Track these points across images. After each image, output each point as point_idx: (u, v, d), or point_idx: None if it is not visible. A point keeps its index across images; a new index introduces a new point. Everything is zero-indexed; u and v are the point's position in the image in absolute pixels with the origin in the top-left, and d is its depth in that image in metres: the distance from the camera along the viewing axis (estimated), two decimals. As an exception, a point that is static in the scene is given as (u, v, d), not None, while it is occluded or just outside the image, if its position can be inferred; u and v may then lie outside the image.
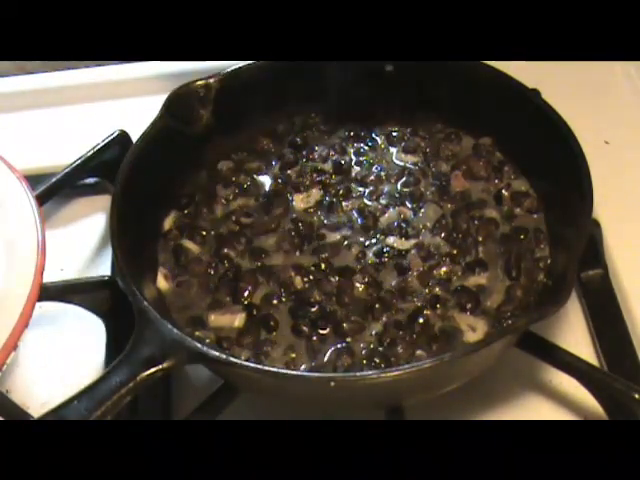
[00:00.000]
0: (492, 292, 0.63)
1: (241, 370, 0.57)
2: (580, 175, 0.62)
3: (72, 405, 0.52)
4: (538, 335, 0.60)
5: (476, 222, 0.67)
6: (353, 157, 0.74)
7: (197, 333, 0.62)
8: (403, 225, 0.67)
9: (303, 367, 0.59)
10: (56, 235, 0.73)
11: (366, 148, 0.74)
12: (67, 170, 0.75)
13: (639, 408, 0.56)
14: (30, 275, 0.57)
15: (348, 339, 0.61)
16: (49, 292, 0.64)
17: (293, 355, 0.60)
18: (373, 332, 0.61)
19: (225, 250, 0.67)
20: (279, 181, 0.72)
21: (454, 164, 0.72)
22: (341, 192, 0.71)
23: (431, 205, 0.69)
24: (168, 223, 0.70)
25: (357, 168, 0.73)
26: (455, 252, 0.65)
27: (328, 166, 0.73)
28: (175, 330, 0.59)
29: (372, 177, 0.72)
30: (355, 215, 0.69)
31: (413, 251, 0.65)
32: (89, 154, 0.75)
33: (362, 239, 0.67)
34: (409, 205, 0.69)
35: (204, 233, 0.69)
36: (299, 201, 0.70)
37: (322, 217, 0.69)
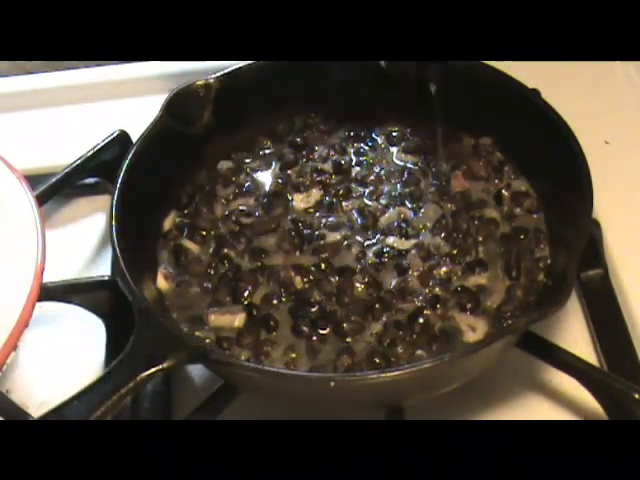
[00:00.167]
0: (492, 292, 0.63)
1: (241, 370, 0.57)
2: (580, 175, 0.62)
3: (72, 405, 0.52)
4: (538, 335, 0.60)
5: (476, 222, 0.67)
6: (353, 157, 0.74)
7: (197, 333, 0.62)
8: (403, 225, 0.67)
9: (303, 367, 0.60)
10: (56, 235, 0.73)
11: (366, 148, 0.74)
12: (67, 170, 0.75)
13: (639, 408, 0.56)
14: (30, 275, 0.57)
15: (348, 339, 0.61)
16: (49, 292, 0.64)
17: (293, 355, 0.60)
18: (373, 332, 0.61)
19: (225, 250, 0.67)
20: (279, 181, 0.72)
21: (454, 164, 0.72)
22: (341, 192, 0.71)
23: (431, 205, 0.69)
24: (168, 223, 0.70)
25: (357, 168, 0.73)
26: (455, 252, 0.65)
27: (328, 166, 0.73)
28: (175, 330, 0.59)
29: (372, 177, 0.72)
30: (355, 215, 0.69)
31: (413, 251, 0.65)
32: (89, 154, 0.75)
33: (362, 239, 0.67)
34: (409, 205, 0.69)
35: (204, 233, 0.69)
36: (299, 201, 0.70)
37: (322, 217, 0.69)
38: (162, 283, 0.65)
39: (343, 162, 0.73)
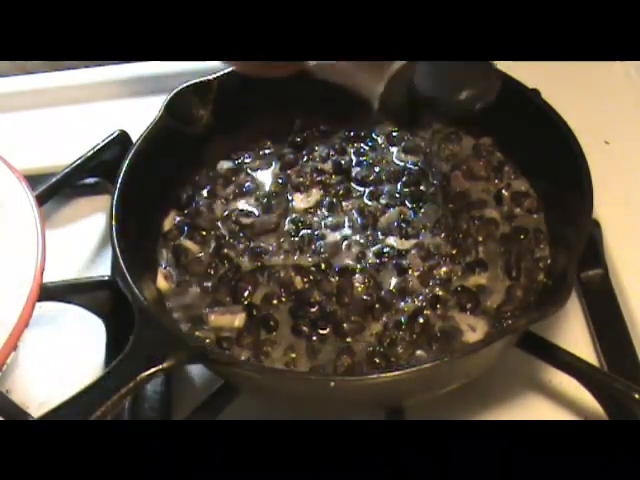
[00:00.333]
0: (492, 292, 0.63)
1: (241, 370, 0.57)
2: (580, 175, 0.62)
3: (72, 405, 0.52)
4: (538, 335, 0.60)
5: (476, 222, 0.67)
6: (353, 157, 0.74)
7: (197, 333, 0.62)
8: (403, 225, 0.67)
9: (303, 367, 0.60)
10: (56, 235, 0.73)
11: (366, 148, 0.74)
12: (67, 170, 0.75)
13: (639, 408, 0.56)
14: (30, 275, 0.57)
15: (348, 339, 0.61)
16: (49, 292, 0.64)
17: (293, 355, 0.60)
18: (373, 332, 0.61)
19: (225, 250, 0.67)
20: (279, 181, 0.72)
21: (454, 164, 0.72)
22: (341, 192, 0.71)
23: (431, 205, 0.69)
24: (168, 223, 0.70)
25: (357, 168, 0.73)
26: (455, 252, 0.65)
27: (328, 166, 0.73)
28: (175, 330, 0.59)
29: (372, 177, 0.72)
30: (355, 215, 0.69)
31: (413, 251, 0.65)
32: (89, 154, 0.75)
33: (362, 239, 0.67)
34: (409, 205, 0.69)
35: (204, 233, 0.69)
36: (299, 201, 0.70)
37: (322, 217, 0.69)
38: (162, 283, 0.65)
39: (343, 162, 0.73)
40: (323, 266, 0.65)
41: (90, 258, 0.74)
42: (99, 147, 0.76)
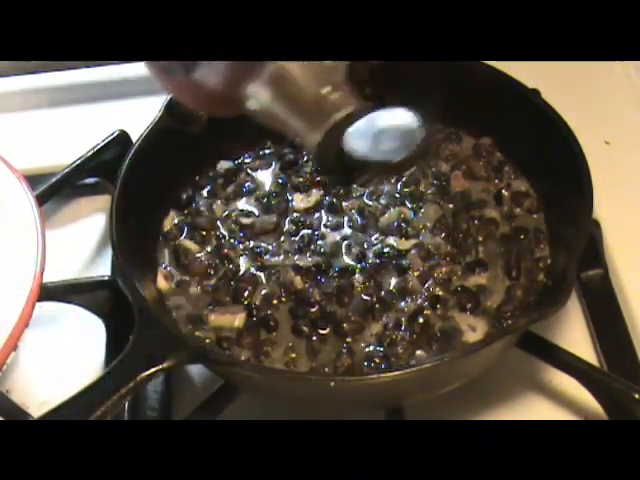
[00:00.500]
0: (492, 292, 0.63)
1: (241, 370, 0.57)
2: (580, 175, 0.62)
3: (72, 405, 0.52)
4: (538, 335, 0.60)
5: (476, 222, 0.67)
6: (353, 157, 0.74)
7: (197, 333, 0.62)
8: (403, 225, 0.67)
9: (303, 367, 0.60)
10: (56, 235, 0.73)
11: (366, 148, 0.74)
12: (67, 170, 0.75)
13: (639, 408, 0.56)
14: (30, 275, 0.57)
15: (348, 339, 0.61)
16: (49, 292, 0.64)
17: (293, 355, 0.60)
18: (373, 332, 0.61)
19: (225, 250, 0.67)
20: (279, 181, 0.72)
21: (454, 164, 0.72)
22: (341, 192, 0.70)
23: (431, 205, 0.69)
24: (168, 223, 0.70)
25: (357, 168, 0.73)
26: (455, 252, 0.65)
27: (328, 166, 0.73)
28: (175, 330, 0.59)
29: (372, 177, 0.72)
30: (355, 215, 0.69)
31: (413, 251, 0.65)
32: (89, 154, 0.75)
33: (362, 239, 0.67)
34: (409, 205, 0.69)
35: (204, 233, 0.69)
36: (299, 201, 0.70)
37: (322, 217, 0.69)
38: (162, 283, 0.65)
39: (343, 162, 0.73)
40: (323, 266, 0.65)
41: (90, 258, 0.74)
42: (99, 147, 0.76)
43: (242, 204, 0.71)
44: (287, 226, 0.68)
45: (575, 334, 0.65)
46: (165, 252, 0.68)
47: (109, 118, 0.83)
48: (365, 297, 0.63)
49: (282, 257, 0.66)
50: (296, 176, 0.72)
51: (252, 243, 0.67)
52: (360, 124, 0.55)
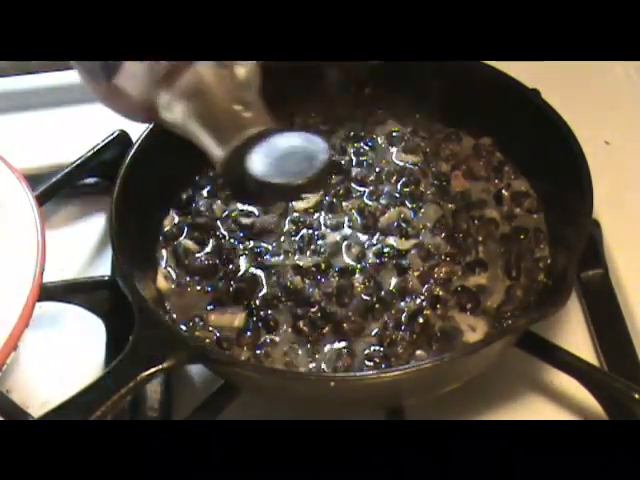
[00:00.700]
0: (492, 292, 0.63)
1: (241, 370, 0.57)
2: (580, 175, 0.62)
3: (72, 405, 0.52)
4: (538, 335, 0.60)
5: (476, 222, 0.67)
6: (353, 157, 0.74)
7: (197, 333, 0.62)
8: (403, 225, 0.67)
9: (303, 367, 0.60)
10: (56, 235, 0.73)
11: (366, 148, 0.74)
12: (67, 170, 0.75)
13: (639, 408, 0.56)
14: (30, 275, 0.57)
15: (348, 339, 0.61)
16: (49, 292, 0.64)
17: (293, 355, 0.60)
18: (373, 332, 0.61)
19: (225, 250, 0.67)
20: (279, 181, 0.72)
21: (454, 164, 0.72)
22: (341, 192, 0.71)
23: (431, 205, 0.69)
24: (168, 223, 0.70)
25: (357, 168, 0.73)
26: (455, 252, 0.65)
27: (328, 166, 0.73)
28: (175, 330, 0.59)
29: (372, 177, 0.72)
30: (355, 215, 0.69)
31: (413, 251, 0.65)
32: (89, 154, 0.75)
33: (362, 239, 0.67)
34: (409, 205, 0.69)
35: (204, 233, 0.69)
36: (299, 201, 0.70)
37: (322, 217, 0.69)
38: (162, 283, 0.65)
39: (343, 162, 0.73)
40: (323, 266, 0.65)
41: (90, 258, 0.74)
42: (99, 147, 0.76)
43: (242, 204, 0.71)
44: (287, 226, 0.68)
45: (575, 334, 0.65)
46: (165, 252, 0.68)
47: (109, 118, 0.82)
48: (365, 297, 0.63)
49: (282, 257, 0.66)
50: (296, 176, 0.72)
51: (252, 243, 0.67)
52: (266, 144, 0.55)
